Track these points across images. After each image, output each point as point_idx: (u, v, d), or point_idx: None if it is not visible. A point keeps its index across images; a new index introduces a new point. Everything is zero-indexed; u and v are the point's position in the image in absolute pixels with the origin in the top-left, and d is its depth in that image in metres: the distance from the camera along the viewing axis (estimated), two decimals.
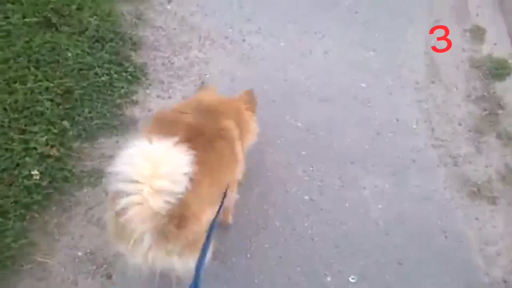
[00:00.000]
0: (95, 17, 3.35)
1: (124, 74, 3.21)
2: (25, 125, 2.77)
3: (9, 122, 2.76)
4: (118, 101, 3.10)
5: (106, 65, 3.18)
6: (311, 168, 2.97)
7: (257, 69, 3.49)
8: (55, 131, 2.79)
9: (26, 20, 3.18)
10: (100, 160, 2.83)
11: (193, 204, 1.60)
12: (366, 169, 3.01)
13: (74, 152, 2.81)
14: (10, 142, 2.68)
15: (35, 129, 2.76)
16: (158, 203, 1.39)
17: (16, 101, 2.84)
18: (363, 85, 3.49)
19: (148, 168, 1.37)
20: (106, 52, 3.24)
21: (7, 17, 3.15)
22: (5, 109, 2.80)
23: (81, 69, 3.10)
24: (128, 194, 1.38)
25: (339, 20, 3.95)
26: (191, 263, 1.71)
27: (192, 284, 1.56)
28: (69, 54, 3.10)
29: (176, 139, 1.48)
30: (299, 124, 3.20)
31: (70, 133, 2.85)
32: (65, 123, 2.85)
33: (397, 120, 3.29)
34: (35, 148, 2.68)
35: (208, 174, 1.73)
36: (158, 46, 3.52)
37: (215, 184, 1.86)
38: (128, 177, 1.37)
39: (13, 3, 3.24)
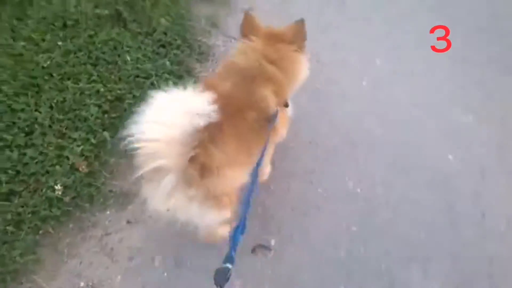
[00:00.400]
0: (167, 17, 2.91)
1: None
2: (66, 128, 2.47)
3: (52, 122, 2.47)
4: None
5: (165, 75, 2.74)
6: (358, 251, 2.33)
7: (327, 106, 2.85)
8: (93, 141, 2.46)
9: (97, 11, 2.82)
10: (134, 181, 2.46)
11: (217, 157, 1.54)
12: (425, 270, 2.28)
13: (107, 168, 2.47)
14: (46, 145, 2.40)
15: (75, 135, 2.45)
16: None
17: (63, 101, 2.54)
18: (450, 157, 2.69)
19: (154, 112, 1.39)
20: (168, 60, 2.80)
21: (79, 5, 2.82)
22: (51, 107, 2.51)
23: (137, 76, 2.70)
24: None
25: (444, 62, 3.12)
26: (209, 217, 1.66)
27: (228, 256, 1.42)
28: (129, 58, 2.71)
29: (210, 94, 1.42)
30: (358, 190, 2.53)
31: (109, 146, 2.50)
32: (106, 134, 2.50)
33: (483, 215, 2.47)
34: (67, 158, 2.38)
35: (235, 138, 1.68)
36: None
37: (243, 149, 1.76)
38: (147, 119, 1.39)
39: None
